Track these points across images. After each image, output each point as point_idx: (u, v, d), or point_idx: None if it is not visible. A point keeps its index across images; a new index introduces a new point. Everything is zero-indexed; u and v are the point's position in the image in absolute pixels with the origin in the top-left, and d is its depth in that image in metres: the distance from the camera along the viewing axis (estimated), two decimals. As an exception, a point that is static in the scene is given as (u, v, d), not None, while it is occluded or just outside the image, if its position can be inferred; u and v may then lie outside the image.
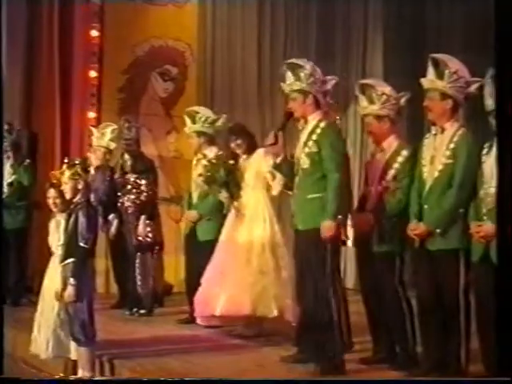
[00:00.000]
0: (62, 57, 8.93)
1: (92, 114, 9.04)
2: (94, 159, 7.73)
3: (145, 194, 7.43)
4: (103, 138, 7.85)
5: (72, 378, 5.39)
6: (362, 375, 5.17)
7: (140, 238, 7.42)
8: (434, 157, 4.95)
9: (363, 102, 5.46)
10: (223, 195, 6.60)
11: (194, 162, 7.22)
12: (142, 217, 7.41)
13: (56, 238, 5.62)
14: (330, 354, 5.10)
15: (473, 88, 4.93)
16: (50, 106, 8.87)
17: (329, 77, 5.47)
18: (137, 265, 7.45)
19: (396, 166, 5.29)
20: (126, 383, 5.27)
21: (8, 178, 7.94)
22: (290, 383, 5.00)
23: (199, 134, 7.15)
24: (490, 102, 4.63)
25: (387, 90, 5.40)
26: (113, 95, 9.19)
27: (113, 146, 7.85)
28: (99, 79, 9.10)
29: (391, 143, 5.39)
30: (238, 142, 6.63)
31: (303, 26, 9.69)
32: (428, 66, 4.97)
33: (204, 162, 6.84)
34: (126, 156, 7.66)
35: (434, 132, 5.02)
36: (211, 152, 7.03)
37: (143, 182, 7.45)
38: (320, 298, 5.20)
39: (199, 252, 6.96)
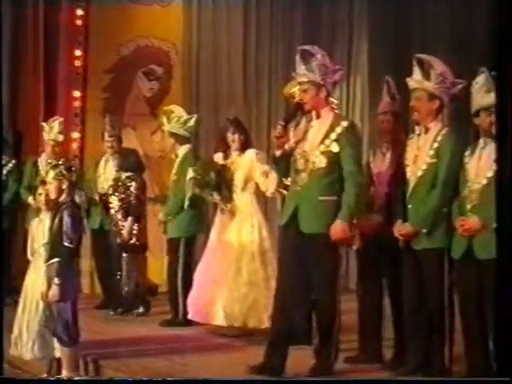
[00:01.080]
0: (47, 56, 8.92)
1: (77, 113, 9.04)
2: (45, 154, 7.94)
3: (134, 195, 7.43)
4: (52, 131, 7.95)
5: (76, 378, 5.36)
6: (350, 375, 5.19)
7: (126, 239, 7.41)
8: (418, 156, 4.96)
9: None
10: (215, 198, 6.61)
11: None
12: (130, 218, 7.41)
13: (40, 237, 5.61)
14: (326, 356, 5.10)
15: (457, 89, 4.96)
16: (34, 105, 8.85)
17: (337, 66, 5.28)
18: (123, 265, 7.44)
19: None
20: (111, 383, 5.26)
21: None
22: (289, 383, 5.01)
23: (171, 134, 7.22)
24: (476, 102, 4.65)
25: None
26: (97, 94, 9.17)
27: (61, 138, 7.98)
28: (84, 78, 9.09)
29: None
30: (235, 136, 6.57)
31: (289, 26, 9.70)
32: (413, 66, 4.98)
33: (193, 167, 6.90)
34: (114, 154, 7.79)
35: (417, 132, 5.03)
36: (184, 150, 7.11)
37: (133, 183, 7.46)
38: (323, 302, 5.10)
39: (172, 251, 7.01)
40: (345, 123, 5.07)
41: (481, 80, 4.68)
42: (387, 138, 5.52)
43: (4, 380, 4.87)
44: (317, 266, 4.99)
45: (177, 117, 7.14)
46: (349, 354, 5.47)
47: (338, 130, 5.02)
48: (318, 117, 5.12)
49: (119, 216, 7.43)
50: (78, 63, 9.09)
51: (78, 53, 9.08)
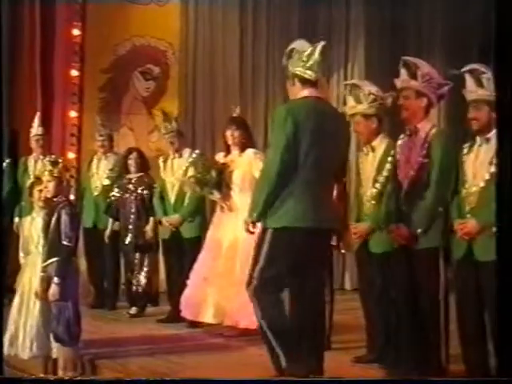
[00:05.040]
0: (44, 56, 8.92)
1: (73, 113, 9.03)
2: (34, 151, 8.12)
3: (150, 194, 7.44)
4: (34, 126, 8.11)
5: (78, 378, 5.35)
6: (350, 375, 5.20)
7: (147, 238, 7.42)
8: (409, 157, 4.98)
9: (350, 101, 5.46)
10: (216, 196, 6.60)
11: (162, 163, 7.28)
12: (152, 218, 7.39)
13: (34, 236, 5.60)
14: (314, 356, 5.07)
15: (444, 90, 5.01)
16: (31, 105, 8.84)
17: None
18: (136, 264, 7.44)
19: (388, 166, 5.28)
20: (108, 383, 5.25)
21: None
22: (289, 383, 5.00)
23: (179, 133, 7.21)
24: (469, 94, 4.67)
25: (374, 89, 5.43)
26: (94, 94, 9.17)
27: (40, 131, 8.10)
28: (81, 78, 9.09)
29: (381, 142, 5.41)
30: (236, 133, 6.54)
31: (285, 26, 9.69)
32: (400, 68, 5.03)
33: (190, 160, 6.94)
34: (106, 153, 7.81)
35: (408, 132, 5.05)
36: (186, 152, 7.14)
37: (147, 180, 7.50)
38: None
39: (182, 251, 7.00)
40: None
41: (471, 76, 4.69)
42: (365, 139, 5.51)
43: (4, 380, 4.85)
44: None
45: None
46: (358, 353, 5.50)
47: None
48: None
49: (135, 215, 7.43)
50: (74, 63, 9.08)
51: (74, 53, 9.07)
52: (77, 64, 9.07)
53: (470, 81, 4.71)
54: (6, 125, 8.70)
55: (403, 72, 5.01)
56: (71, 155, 9.02)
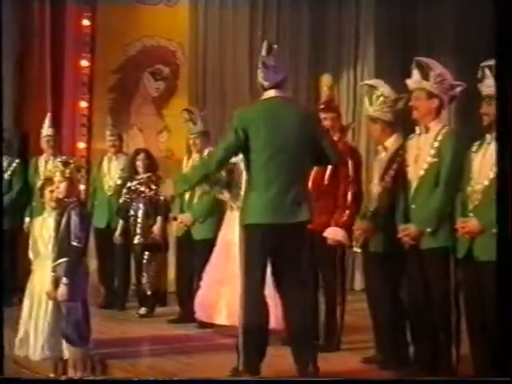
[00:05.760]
0: (54, 56, 8.94)
1: (83, 113, 9.05)
2: (45, 152, 8.12)
3: (159, 194, 7.46)
4: (44, 126, 8.12)
5: (80, 378, 5.35)
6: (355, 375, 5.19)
7: (155, 238, 7.44)
8: (419, 156, 4.99)
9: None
10: (226, 196, 6.61)
11: (186, 161, 7.26)
12: (159, 217, 7.42)
13: (45, 236, 5.61)
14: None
15: (457, 91, 5.01)
16: (41, 105, 8.86)
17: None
18: (144, 264, 7.45)
19: (395, 166, 5.28)
20: (117, 383, 5.25)
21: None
22: (289, 383, 5.00)
23: (204, 133, 7.22)
24: (486, 89, 4.64)
25: (386, 91, 5.39)
26: (104, 95, 9.19)
27: (51, 131, 8.10)
28: (90, 79, 9.10)
29: (394, 142, 5.40)
30: None
31: (295, 27, 9.69)
32: (412, 68, 5.03)
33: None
34: (116, 153, 7.86)
35: (418, 132, 5.06)
36: (206, 151, 7.10)
37: (155, 180, 7.52)
38: None
39: (193, 251, 7.00)
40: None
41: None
42: (378, 141, 5.55)
43: (4, 380, 4.86)
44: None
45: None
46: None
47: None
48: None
49: (143, 215, 7.44)
50: (84, 63, 9.11)
51: (84, 53, 9.10)
52: (87, 65, 9.08)
53: (489, 76, 4.69)
54: (16, 125, 8.79)
55: (415, 73, 5.01)
56: (81, 154, 9.06)
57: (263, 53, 5.06)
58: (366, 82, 5.71)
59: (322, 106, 6.00)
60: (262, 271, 4.89)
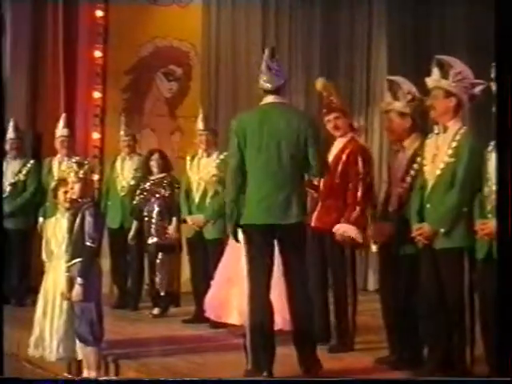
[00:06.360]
0: (67, 57, 8.98)
1: (96, 114, 9.09)
2: (59, 152, 8.13)
3: (173, 194, 7.47)
4: (58, 127, 8.12)
5: (77, 378, 5.39)
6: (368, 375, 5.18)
7: (170, 238, 7.45)
8: (436, 155, 4.95)
9: (388, 97, 5.43)
10: None
11: (189, 161, 7.29)
12: (174, 218, 7.42)
13: (58, 237, 5.62)
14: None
15: (477, 90, 4.95)
16: (54, 105, 8.89)
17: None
18: (158, 264, 7.47)
19: (416, 166, 5.23)
20: (130, 383, 5.27)
21: (11, 178, 8.00)
22: (302, 383, 5.00)
23: (213, 132, 7.28)
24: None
25: (413, 89, 5.37)
26: (117, 95, 9.21)
27: (66, 132, 8.10)
28: (104, 79, 9.14)
29: (413, 142, 5.36)
30: None
31: (307, 26, 9.68)
32: (432, 66, 4.99)
33: (217, 161, 7.00)
34: (130, 154, 7.89)
35: (436, 131, 5.02)
36: (215, 152, 7.15)
37: (169, 181, 7.53)
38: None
39: (206, 251, 7.01)
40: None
41: None
42: (396, 138, 5.53)
43: (4, 380, 4.88)
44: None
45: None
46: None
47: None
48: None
49: (157, 216, 7.45)
50: (98, 54, 9.15)
51: (97, 54, 9.17)
52: (100, 65, 9.11)
53: (435, 72, 4.81)
54: (29, 126, 8.83)
55: (435, 71, 4.96)
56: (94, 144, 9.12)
57: (267, 56, 5.12)
58: (390, 77, 5.62)
59: (324, 110, 6.02)
60: (264, 271, 5.02)
